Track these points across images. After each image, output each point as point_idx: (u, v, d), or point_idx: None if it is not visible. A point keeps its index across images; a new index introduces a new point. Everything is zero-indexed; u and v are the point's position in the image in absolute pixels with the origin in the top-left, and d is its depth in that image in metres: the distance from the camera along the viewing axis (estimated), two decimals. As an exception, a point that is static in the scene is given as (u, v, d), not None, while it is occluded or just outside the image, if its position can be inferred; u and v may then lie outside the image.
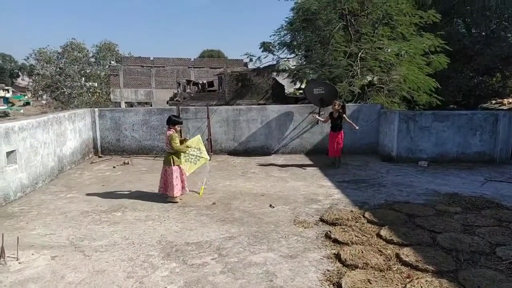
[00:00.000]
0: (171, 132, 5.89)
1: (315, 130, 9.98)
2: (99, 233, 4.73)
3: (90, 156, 9.64)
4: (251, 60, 20.68)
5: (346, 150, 9.84)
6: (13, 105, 77.78)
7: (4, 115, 46.02)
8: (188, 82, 35.18)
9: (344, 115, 8.37)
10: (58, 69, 50.35)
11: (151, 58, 44.39)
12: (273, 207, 5.74)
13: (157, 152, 9.88)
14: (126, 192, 6.56)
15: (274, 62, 19.86)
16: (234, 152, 9.99)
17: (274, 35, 17.78)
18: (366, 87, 14.28)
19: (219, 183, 7.18)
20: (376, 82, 14.82)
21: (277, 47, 18.27)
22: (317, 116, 9.15)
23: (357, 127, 8.56)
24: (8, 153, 5.94)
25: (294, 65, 18.72)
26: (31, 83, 58.66)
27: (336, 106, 8.31)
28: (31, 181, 6.57)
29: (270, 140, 10.03)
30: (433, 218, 5.05)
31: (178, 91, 34.00)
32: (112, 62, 50.24)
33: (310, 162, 9.05)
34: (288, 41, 18.12)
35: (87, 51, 51.49)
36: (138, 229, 4.88)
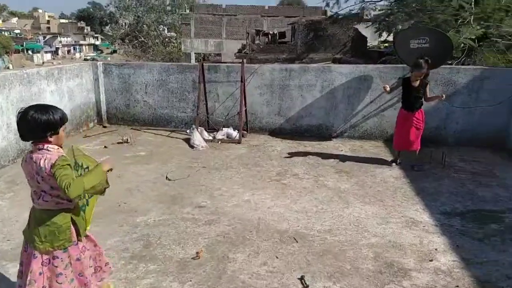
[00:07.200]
0: (55, 156, 2.00)
1: (405, 105, 6.48)
2: None
3: (91, 125, 7.38)
4: (327, 4, 17.03)
5: (452, 141, 6.32)
6: (102, 52, 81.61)
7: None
8: (258, 32, 31.82)
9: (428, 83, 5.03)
10: (136, 17, 50.35)
11: (223, 6, 41.44)
12: (307, 286, 2.81)
13: (175, 125, 7.32)
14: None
15: (356, 7, 16.17)
16: (278, 132, 6.98)
17: (358, -32, 13.82)
18: (477, 41, 10.10)
19: (233, 196, 4.36)
20: (494, 34, 10.43)
21: (362, -15, 14.47)
22: (386, 87, 5.46)
23: (443, 97, 5.09)
24: None
25: (381, 10, 14.53)
26: (111, 31, 59.70)
27: (424, 69, 4.89)
28: (-48, 172, 4.41)
29: (333, 117, 6.78)
30: None
31: (246, 42, 30.99)
32: (187, 11, 48.43)
33: (392, 158, 5.75)
34: (377, -24, 14.05)
35: (164, -2, 50.37)
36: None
